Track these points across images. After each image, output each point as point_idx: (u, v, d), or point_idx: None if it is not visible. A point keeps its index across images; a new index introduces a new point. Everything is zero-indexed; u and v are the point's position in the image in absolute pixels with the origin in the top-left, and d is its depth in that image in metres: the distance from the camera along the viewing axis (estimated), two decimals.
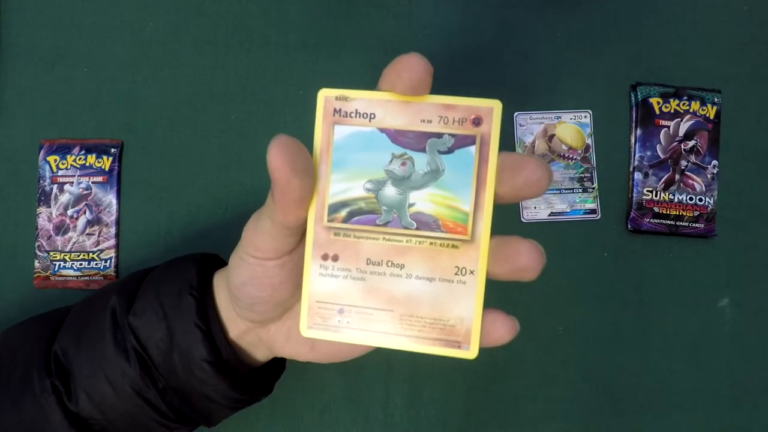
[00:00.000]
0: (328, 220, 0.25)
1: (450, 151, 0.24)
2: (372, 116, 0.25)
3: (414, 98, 0.24)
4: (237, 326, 0.32)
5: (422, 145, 0.24)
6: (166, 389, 0.32)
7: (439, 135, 0.24)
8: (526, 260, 0.24)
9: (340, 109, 0.25)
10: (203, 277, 0.32)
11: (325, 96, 0.25)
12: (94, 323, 0.32)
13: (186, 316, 0.31)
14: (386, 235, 0.25)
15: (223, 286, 0.32)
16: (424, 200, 0.25)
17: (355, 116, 0.25)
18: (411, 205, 0.25)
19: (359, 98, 0.25)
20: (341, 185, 0.25)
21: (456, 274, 0.25)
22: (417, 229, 0.25)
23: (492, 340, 0.26)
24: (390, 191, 0.25)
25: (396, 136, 0.25)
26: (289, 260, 0.27)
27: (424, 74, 0.23)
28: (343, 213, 0.25)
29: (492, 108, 0.24)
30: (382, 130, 0.25)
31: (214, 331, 0.31)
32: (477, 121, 0.24)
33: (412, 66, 0.23)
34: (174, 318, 0.31)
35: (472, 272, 0.25)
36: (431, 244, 0.25)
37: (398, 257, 0.25)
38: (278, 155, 0.22)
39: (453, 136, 0.24)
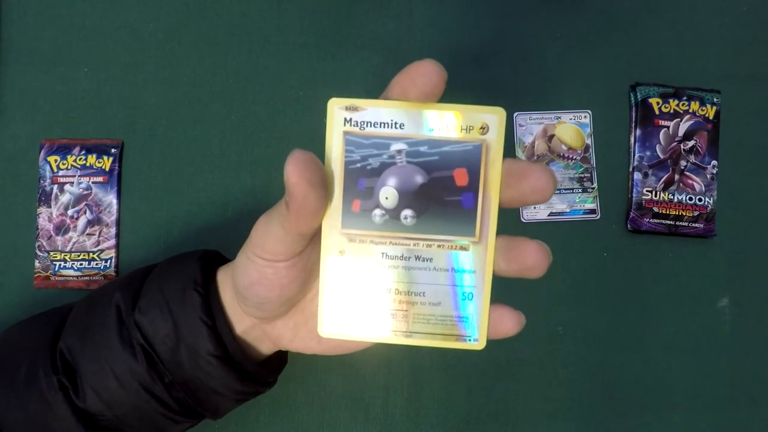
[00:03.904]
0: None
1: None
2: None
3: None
4: (243, 322, 0.32)
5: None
6: (172, 383, 0.32)
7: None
8: (533, 259, 0.26)
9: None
10: (206, 273, 0.33)
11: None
12: (99, 320, 0.33)
13: (191, 312, 0.31)
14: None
15: (227, 283, 0.32)
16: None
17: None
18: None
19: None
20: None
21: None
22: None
23: (499, 333, 0.27)
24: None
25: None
26: (298, 260, 0.27)
27: (438, 80, 0.24)
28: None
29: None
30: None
31: (219, 326, 0.31)
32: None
33: (427, 72, 0.23)
34: (179, 313, 0.31)
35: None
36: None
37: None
38: (295, 171, 0.23)
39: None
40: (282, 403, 0.46)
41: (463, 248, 0.26)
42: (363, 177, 0.26)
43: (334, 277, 0.27)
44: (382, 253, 0.26)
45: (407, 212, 0.26)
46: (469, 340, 0.27)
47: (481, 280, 0.26)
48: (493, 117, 0.25)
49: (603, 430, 0.47)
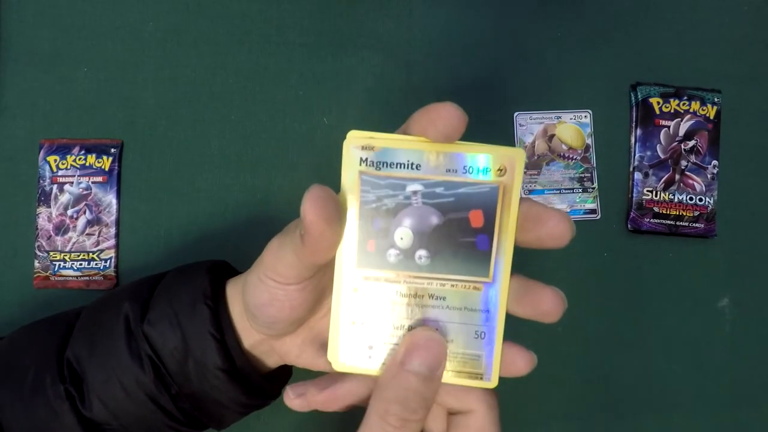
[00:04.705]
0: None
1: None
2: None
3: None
4: (251, 336, 0.32)
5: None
6: (179, 394, 0.32)
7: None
8: (548, 306, 0.26)
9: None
10: (216, 285, 0.33)
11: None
12: (107, 330, 0.33)
13: (200, 325, 0.31)
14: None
15: (237, 297, 0.32)
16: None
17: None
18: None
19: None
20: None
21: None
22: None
23: (511, 372, 0.27)
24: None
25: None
26: (309, 284, 0.27)
27: (458, 124, 0.24)
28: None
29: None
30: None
31: (228, 341, 0.32)
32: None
33: (448, 116, 0.23)
34: (188, 327, 0.31)
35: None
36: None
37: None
38: (312, 208, 0.23)
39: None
40: (282, 403, 0.45)
41: (477, 288, 0.26)
42: (378, 217, 0.26)
43: (347, 313, 0.27)
44: (396, 292, 0.27)
45: (422, 252, 0.26)
46: (482, 379, 0.27)
47: (494, 320, 0.27)
48: (512, 159, 0.25)
49: (603, 430, 0.47)
